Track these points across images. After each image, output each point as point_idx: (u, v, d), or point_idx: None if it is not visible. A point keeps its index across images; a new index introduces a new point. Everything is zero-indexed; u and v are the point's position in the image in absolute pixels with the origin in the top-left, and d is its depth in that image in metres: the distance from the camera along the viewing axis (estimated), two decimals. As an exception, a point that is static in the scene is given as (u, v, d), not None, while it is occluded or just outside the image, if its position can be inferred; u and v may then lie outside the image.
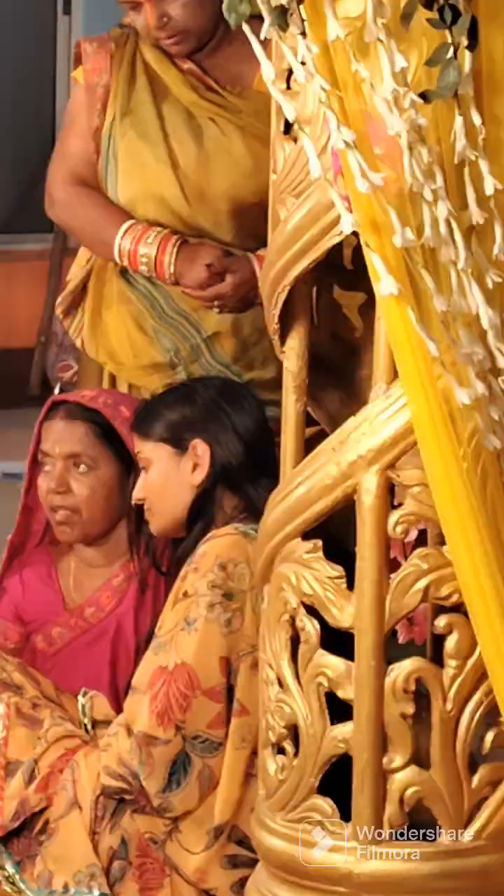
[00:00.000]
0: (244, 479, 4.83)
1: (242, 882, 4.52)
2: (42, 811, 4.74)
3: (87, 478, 5.20)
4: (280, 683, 3.61)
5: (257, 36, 3.16)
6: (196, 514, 4.85)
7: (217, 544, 4.71)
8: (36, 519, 5.35)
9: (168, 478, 4.88)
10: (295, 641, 3.59)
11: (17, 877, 4.72)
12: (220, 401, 4.93)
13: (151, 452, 4.89)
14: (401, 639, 3.61)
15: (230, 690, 4.66)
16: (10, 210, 10.30)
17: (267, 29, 3.11)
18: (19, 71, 11.02)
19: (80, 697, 4.98)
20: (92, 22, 9.80)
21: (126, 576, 5.28)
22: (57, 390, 9.21)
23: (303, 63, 3.13)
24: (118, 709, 4.87)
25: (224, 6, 3.10)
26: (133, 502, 4.99)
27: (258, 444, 4.86)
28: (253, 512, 4.71)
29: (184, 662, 4.62)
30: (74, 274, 5.72)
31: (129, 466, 5.12)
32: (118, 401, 5.27)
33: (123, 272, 5.46)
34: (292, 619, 3.58)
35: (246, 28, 3.14)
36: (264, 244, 4.56)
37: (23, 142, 10.44)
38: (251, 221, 5.22)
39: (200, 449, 4.83)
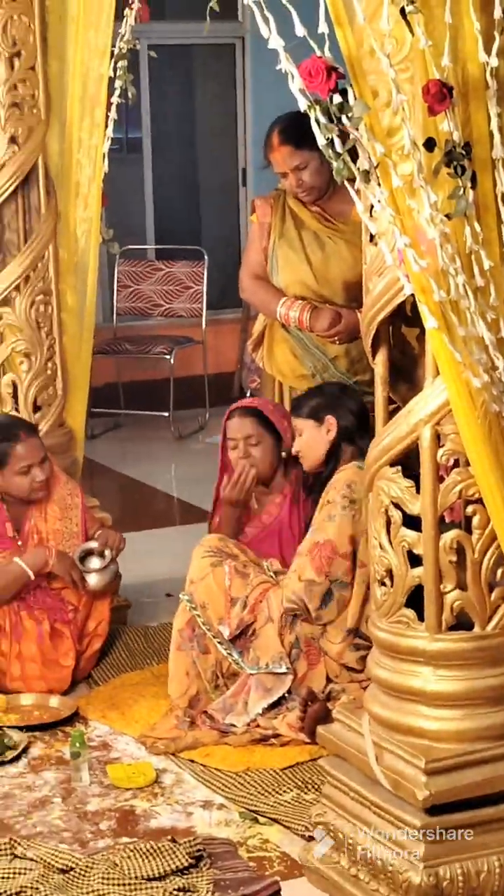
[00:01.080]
0: (355, 436, 4.78)
1: (362, 658, 4.52)
2: (251, 624, 4.72)
3: (257, 448, 5.11)
4: (381, 547, 3.56)
5: (353, 187, 3.16)
6: (329, 458, 4.82)
7: (345, 473, 4.69)
8: (229, 470, 5.21)
9: (313, 438, 4.84)
10: (388, 523, 3.55)
11: (239, 660, 4.70)
12: (339, 393, 4.90)
13: (303, 425, 4.86)
14: (447, 520, 3.49)
15: (354, 555, 4.65)
16: (217, 297, 10.24)
17: (358, 183, 3.11)
18: (222, 217, 10.99)
19: (264, 563, 4.92)
20: (259, 187, 9.72)
21: (282, 499, 5.16)
22: (248, 394, 9.22)
23: (379, 201, 3.12)
24: (286, 567, 4.85)
25: (333, 172, 3.08)
26: (293, 454, 4.96)
27: (362, 416, 4.80)
28: (361, 454, 4.66)
29: (328, 539, 4.61)
30: (257, 328, 5.60)
31: (278, 438, 5.09)
32: (264, 403, 5.25)
33: (283, 325, 5.35)
34: (386, 511, 3.53)
35: (347, 184, 3.14)
36: (360, 304, 4.55)
37: (223, 258, 10.39)
38: (353, 292, 5.10)
39: (331, 421, 4.80)
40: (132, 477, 8.47)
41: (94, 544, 5.20)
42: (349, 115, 3.00)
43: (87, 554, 5.18)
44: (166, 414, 9.55)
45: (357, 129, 3.03)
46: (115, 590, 5.51)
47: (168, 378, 9.57)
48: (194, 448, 9.31)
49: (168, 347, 9.49)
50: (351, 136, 3.05)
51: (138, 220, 10.48)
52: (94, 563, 5.16)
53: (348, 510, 4.61)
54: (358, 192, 3.14)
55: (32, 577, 5.01)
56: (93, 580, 5.13)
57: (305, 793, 4.20)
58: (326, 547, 4.61)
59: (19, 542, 5.14)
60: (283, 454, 5.09)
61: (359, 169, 3.04)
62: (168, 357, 9.46)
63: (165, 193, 10.72)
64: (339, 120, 3.02)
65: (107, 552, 5.17)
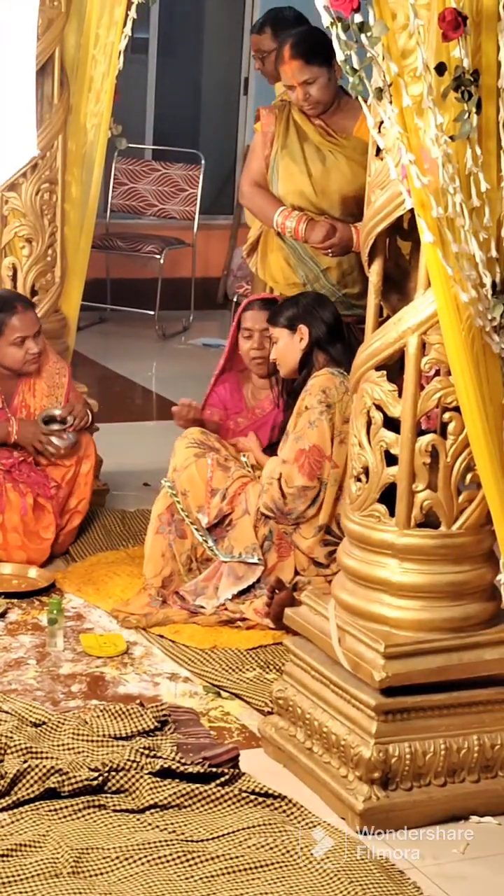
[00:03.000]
0: (328, 344, 4.93)
1: (331, 554, 4.74)
2: (228, 515, 4.92)
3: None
4: (360, 445, 3.74)
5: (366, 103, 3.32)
6: (303, 365, 4.96)
7: (319, 379, 4.85)
8: (238, 360, 5.40)
9: (287, 347, 4.97)
10: (368, 423, 3.72)
11: (214, 548, 4.92)
12: (314, 303, 5.02)
13: (278, 333, 4.99)
14: (423, 426, 3.67)
15: (330, 456, 4.84)
16: (209, 202, 10.35)
17: (371, 99, 3.27)
18: (221, 124, 11.07)
19: (242, 457, 5.11)
20: (260, 97, 9.82)
21: (277, 392, 5.29)
22: (235, 299, 9.38)
23: (388, 118, 3.28)
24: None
25: (350, 88, 3.23)
26: (270, 360, 5.12)
27: (335, 326, 4.97)
28: (334, 362, 4.87)
29: (314, 444, 4.78)
30: (252, 234, 5.71)
31: None
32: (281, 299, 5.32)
33: (278, 233, 5.45)
34: (368, 412, 3.71)
35: (360, 99, 3.30)
36: (356, 218, 4.72)
37: (219, 164, 10.49)
38: (349, 206, 5.25)
39: (304, 330, 4.93)
40: (113, 370, 8.64)
41: (56, 411, 5.40)
42: (368, 34, 3.16)
43: (51, 419, 5.38)
44: (152, 313, 9.70)
45: (374, 48, 3.19)
46: (97, 473, 5.72)
47: (156, 278, 9.71)
48: (177, 348, 9.49)
49: (158, 247, 9.62)
50: (368, 55, 3.22)
51: (138, 120, 10.56)
52: (53, 427, 5.35)
53: (325, 414, 4.79)
54: (370, 108, 3.30)
55: None
56: (54, 442, 5.33)
57: (267, 672, 4.44)
58: (314, 452, 4.79)
59: (9, 415, 5.37)
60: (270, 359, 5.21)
61: (373, 87, 3.20)
62: (158, 257, 9.59)
63: (167, 96, 10.80)
64: (358, 38, 3.18)
65: (69, 418, 5.37)
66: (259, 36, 6.84)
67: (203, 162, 10.05)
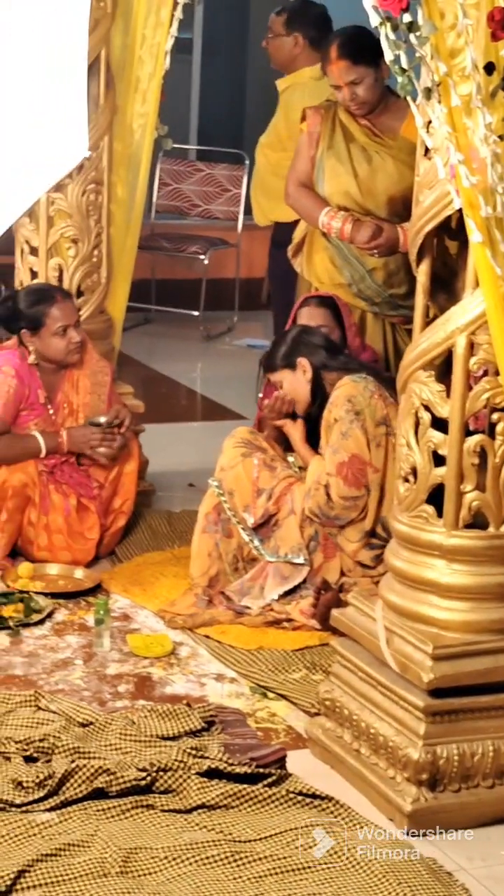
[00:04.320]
0: (331, 361, 4.95)
1: (377, 557, 4.74)
2: (274, 515, 4.91)
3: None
4: (408, 446, 3.74)
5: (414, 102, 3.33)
6: (315, 393, 4.95)
7: (343, 389, 4.84)
8: None
9: (294, 385, 4.98)
10: (416, 424, 3.72)
11: (260, 547, 4.91)
12: (300, 335, 5.02)
13: (280, 376, 5.02)
14: (471, 427, 3.66)
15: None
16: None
17: (420, 98, 3.28)
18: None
19: (290, 457, 5.11)
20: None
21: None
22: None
23: (437, 118, 3.29)
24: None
25: (398, 88, 3.24)
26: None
27: (329, 344, 4.99)
28: (347, 371, 4.88)
29: (353, 454, 4.77)
30: (297, 235, 5.74)
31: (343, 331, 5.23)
32: (336, 296, 5.34)
33: (324, 234, 5.48)
34: (416, 412, 3.71)
35: (409, 99, 3.31)
36: (402, 219, 4.72)
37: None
38: (395, 207, 5.28)
39: (304, 362, 4.95)
40: (158, 371, 8.66)
41: (102, 419, 5.39)
42: (417, 33, 3.17)
43: (96, 426, 5.38)
44: (196, 313, 9.71)
45: (423, 48, 3.20)
46: (143, 474, 5.74)
47: (200, 278, 9.72)
48: (221, 349, 9.49)
49: (203, 248, 9.64)
50: (416, 55, 3.23)
51: (182, 120, 10.57)
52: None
53: (356, 422, 4.78)
54: (418, 107, 3.31)
55: (44, 454, 5.26)
56: (100, 449, 5.33)
57: (313, 673, 4.44)
58: (354, 462, 4.78)
59: (51, 411, 5.38)
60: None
61: (422, 87, 3.21)
62: (202, 257, 9.61)
63: (211, 96, 10.81)
64: (407, 38, 3.19)
65: (115, 422, 5.37)
66: (276, 17, 7.04)
67: (247, 162, 10.04)
